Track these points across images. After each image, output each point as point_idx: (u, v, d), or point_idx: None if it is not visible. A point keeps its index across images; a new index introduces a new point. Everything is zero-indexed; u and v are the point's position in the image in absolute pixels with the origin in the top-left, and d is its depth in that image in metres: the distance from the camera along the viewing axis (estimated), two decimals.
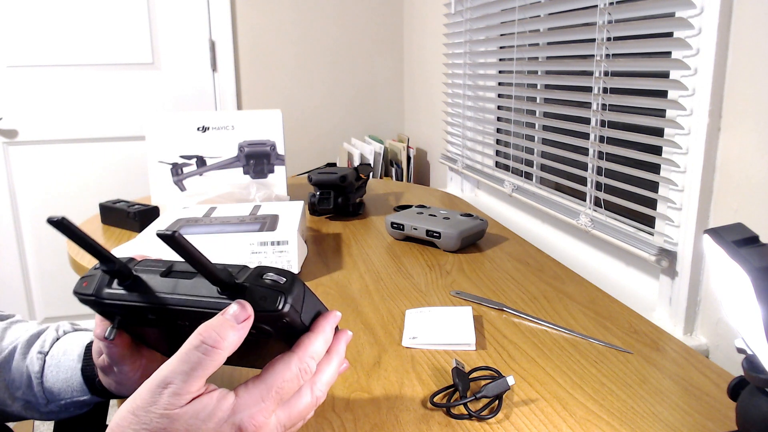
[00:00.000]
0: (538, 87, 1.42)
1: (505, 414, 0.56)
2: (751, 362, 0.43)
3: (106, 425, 0.40)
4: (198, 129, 1.31)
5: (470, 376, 0.61)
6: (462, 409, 0.56)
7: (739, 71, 0.80)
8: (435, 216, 1.08)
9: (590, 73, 1.13)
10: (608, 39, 1.08)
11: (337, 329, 0.46)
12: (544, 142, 1.39)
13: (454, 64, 1.84)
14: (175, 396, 0.37)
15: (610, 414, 0.56)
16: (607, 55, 1.08)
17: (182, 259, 0.38)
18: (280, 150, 1.33)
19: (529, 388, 0.61)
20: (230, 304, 0.39)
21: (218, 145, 1.31)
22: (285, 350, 0.42)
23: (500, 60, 1.56)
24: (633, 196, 1.02)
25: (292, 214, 0.99)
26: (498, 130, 1.69)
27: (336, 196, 1.23)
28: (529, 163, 1.45)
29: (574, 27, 1.20)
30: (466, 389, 0.58)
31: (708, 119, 0.84)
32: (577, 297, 0.83)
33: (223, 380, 0.62)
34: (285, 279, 0.41)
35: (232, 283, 0.40)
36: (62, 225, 0.37)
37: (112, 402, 0.68)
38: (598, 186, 1.14)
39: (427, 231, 1.04)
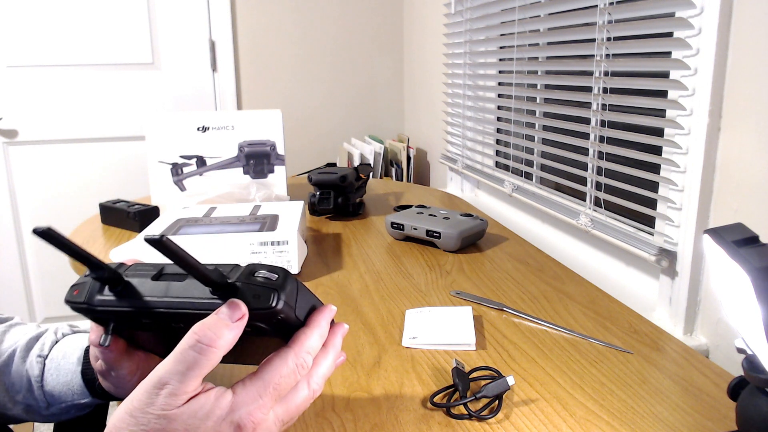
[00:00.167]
0: (538, 87, 1.42)
1: (505, 414, 0.56)
2: (751, 362, 0.43)
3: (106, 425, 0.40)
4: (198, 129, 1.31)
5: (470, 376, 0.61)
6: (462, 409, 0.56)
7: (739, 71, 0.80)
8: (435, 216, 1.08)
9: (590, 73, 1.13)
10: (608, 39, 1.08)
11: (333, 322, 0.46)
12: (544, 142, 1.39)
13: (454, 64, 1.84)
14: (171, 396, 0.37)
15: (610, 414, 0.56)
16: (607, 55, 1.08)
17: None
18: (280, 150, 1.33)
19: (529, 388, 0.61)
20: (224, 303, 0.39)
21: (218, 145, 1.31)
22: (281, 346, 0.42)
23: (500, 60, 1.56)
24: (633, 196, 1.02)
25: (292, 214, 0.99)
26: (498, 130, 1.69)
27: (336, 196, 1.23)
28: (529, 163, 1.45)
29: (574, 27, 1.20)
30: (466, 389, 0.58)
31: (708, 119, 0.84)
32: (577, 297, 0.83)
33: (224, 378, 0.62)
34: (277, 275, 0.41)
35: (224, 282, 0.40)
36: (48, 235, 0.37)
37: (113, 402, 0.68)
38: (598, 186, 1.14)
39: (427, 231, 1.04)
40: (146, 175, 1.33)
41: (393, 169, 2.25)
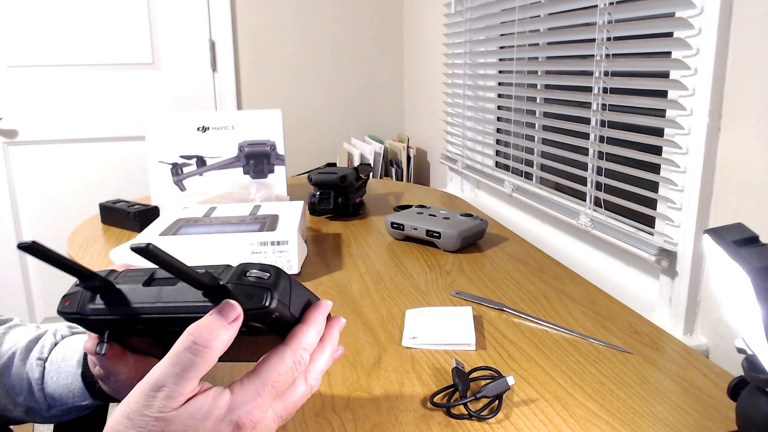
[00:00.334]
0: (538, 87, 1.42)
1: (505, 414, 0.56)
2: (751, 362, 0.43)
3: None
4: (198, 129, 1.31)
5: (470, 376, 0.61)
6: (462, 409, 0.56)
7: (739, 71, 0.80)
8: (435, 216, 1.08)
9: (590, 73, 1.13)
10: (608, 39, 1.08)
11: (330, 317, 0.46)
12: (544, 142, 1.39)
13: (454, 64, 1.84)
14: (168, 399, 0.36)
15: (610, 414, 0.56)
16: (607, 55, 1.08)
17: None
18: (280, 150, 1.33)
19: (529, 388, 0.61)
20: (217, 306, 0.39)
21: (218, 145, 1.31)
22: (278, 342, 0.42)
23: (500, 60, 1.56)
24: (633, 196, 1.02)
25: (292, 214, 0.99)
26: (498, 130, 1.69)
27: (336, 196, 1.23)
28: (529, 163, 1.45)
29: (574, 27, 1.20)
30: (466, 389, 0.58)
31: (708, 119, 0.84)
32: (577, 297, 0.83)
33: (224, 376, 0.62)
34: (269, 274, 0.41)
35: (216, 285, 0.39)
36: (34, 249, 0.36)
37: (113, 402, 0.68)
38: (598, 186, 1.14)
39: (427, 231, 1.04)
40: (146, 175, 1.33)
41: (393, 169, 2.25)
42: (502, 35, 1.58)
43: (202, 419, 0.37)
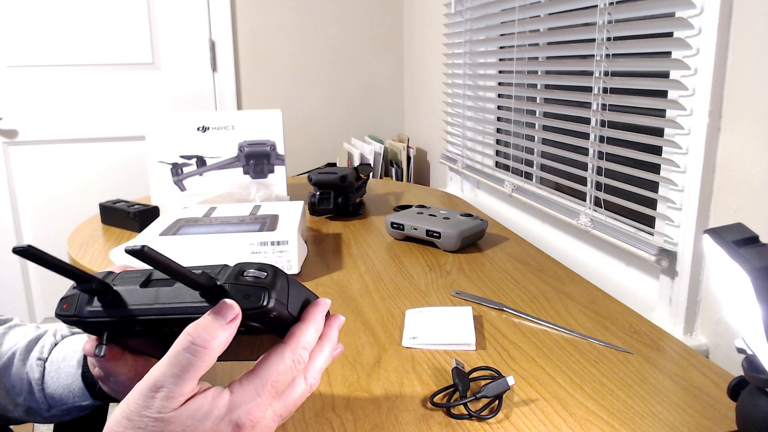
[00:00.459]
0: (538, 87, 1.42)
1: (505, 414, 0.56)
2: (751, 362, 0.43)
3: None
4: (198, 129, 1.31)
5: (470, 376, 0.61)
6: (462, 409, 0.56)
7: (739, 71, 0.80)
8: (435, 216, 1.08)
9: (590, 73, 1.13)
10: (608, 39, 1.08)
11: (329, 314, 0.46)
12: (544, 142, 1.39)
13: (454, 64, 1.84)
14: (167, 399, 0.36)
15: (610, 414, 0.56)
16: (607, 55, 1.08)
17: None
18: (280, 150, 1.33)
19: (529, 388, 0.61)
20: (215, 306, 0.39)
21: (218, 145, 1.31)
22: (277, 341, 0.42)
23: (500, 60, 1.56)
24: (633, 196, 1.02)
25: (292, 214, 0.99)
26: (498, 130, 1.69)
27: (336, 196, 1.23)
28: (529, 163, 1.45)
29: (574, 27, 1.20)
30: (466, 389, 0.58)
31: (708, 119, 0.84)
32: (577, 297, 0.83)
33: (224, 376, 0.62)
34: (266, 273, 0.40)
35: (213, 285, 0.39)
36: (29, 253, 0.36)
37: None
38: (598, 186, 1.14)
39: (427, 231, 1.04)
40: (146, 175, 1.33)
41: (393, 169, 2.25)
42: (502, 35, 1.58)
43: (201, 419, 0.37)
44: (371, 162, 2.20)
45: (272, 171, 1.33)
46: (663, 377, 0.63)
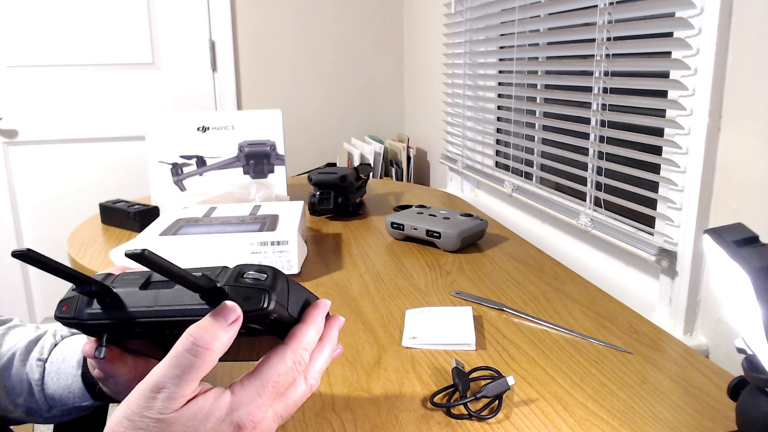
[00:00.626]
0: (538, 87, 1.42)
1: (505, 414, 0.56)
2: (751, 362, 0.43)
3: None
4: (198, 129, 1.31)
5: (470, 376, 0.61)
6: (462, 409, 0.56)
7: (739, 71, 0.80)
8: (435, 216, 1.08)
9: (590, 73, 1.13)
10: (608, 39, 1.08)
11: (329, 315, 0.46)
12: (544, 142, 1.39)
13: (454, 64, 1.84)
14: (169, 400, 0.36)
15: (610, 414, 0.56)
16: (607, 55, 1.08)
17: None
18: (280, 150, 1.33)
19: (529, 388, 0.61)
20: (215, 308, 0.39)
21: (218, 145, 1.31)
22: (276, 341, 0.42)
23: (500, 60, 1.56)
24: (633, 196, 1.02)
25: (292, 214, 0.99)
26: (498, 130, 1.69)
27: (336, 196, 1.23)
28: (529, 163, 1.45)
29: (574, 27, 1.20)
30: (466, 389, 0.58)
31: (708, 119, 0.84)
32: (577, 297, 0.83)
33: (224, 377, 0.62)
34: (266, 275, 0.40)
35: (213, 287, 0.39)
36: (28, 257, 0.36)
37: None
38: (598, 186, 1.14)
39: (427, 231, 1.04)
40: (146, 175, 1.33)
41: (393, 169, 2.25)
42: (502, 35, 1.58)
43: (202, 420, 0.37)
44: (371, 162, 2.20)
45: (272, 171, 1.33)
46: (663, 377, 0.63)
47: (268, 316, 0.40)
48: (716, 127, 0.84)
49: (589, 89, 1.14)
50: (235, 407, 0.38)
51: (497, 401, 0.57)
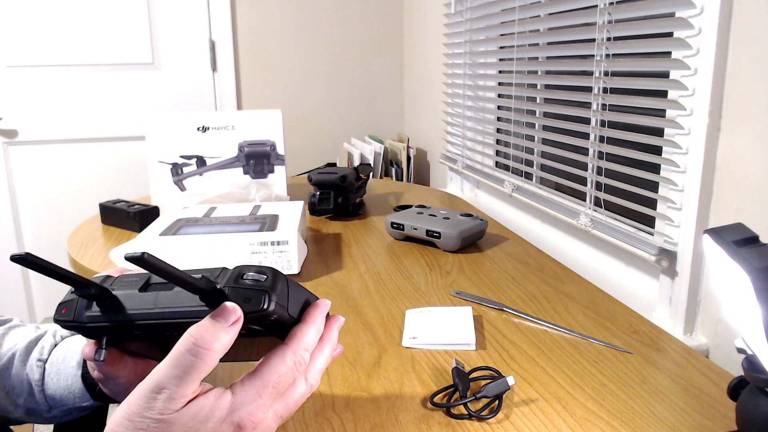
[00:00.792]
0: (538, 87, 1.42)
1: (505, 414, 0.56)
2: (751, 362, 0.43)
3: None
4: (198, 129, 1.31)
5: (470, 376, 0.61)
6: (462, 409, 0.56)
7: (739, 71, 0.80)
8: (435, 216, 1.08)
9: (590, 73, 1.13)
10: (608, 39, 1.08)
11: (329, 315, 0.46)
12: (544, 142, 1.39)
13: (454, 64, 1.84)
14: (169, 401, 0.36)
15: (610, 414, 0.56)
16: (607, 55, 1.08)
17: None
18: (280, 150, 1.33)
19: (529, 388, 0.61)
20: (216, 309, 0.39)
21: (218, 145, 1.31)
22: (276, 342, 0.42)
23: (500, 60, 1.56)
24: (633, 196, 1.02)
25: (292, 214, 0.99)
26: (498, 130, 1.69)
27: (336, 196, 1.23)
28: (529, 163, 1.45)
29: (574, 27, 1.20)
30: (466, 389, 0.58)
31: (708, 119, 0.84)
32: (577, 297, 0.83)
33: (224, 377, 0.62)
34: (266, 276, 0.40)
35: (212, 289, 0.39)
36: (27, 261, 0.36)
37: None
38: (598, 186, 1.14)
39: (427, 231, 1.04)
40: (146, 175, 1.33)
41: (393, 169, 2.25)
42: (502, 35, 1.58)
43: (203, 420, 0.37)
44: (371, 162, 2.20)
45: (272, 171, 1.33)
46: (663, 377, 0.63)
47: (269, 317, 0.40)
48: (716, 127, 0.84)
49: (589, 89, 1.14)
50: (235, 407, 0.38)
51: (497, 401, 0.57)
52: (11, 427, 0.64)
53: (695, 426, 0.54)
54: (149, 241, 0.88)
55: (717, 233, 0.43)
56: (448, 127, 1.92)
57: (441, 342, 0.69)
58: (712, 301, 0.87)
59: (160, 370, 0.37)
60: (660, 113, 1.03)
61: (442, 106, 2.01)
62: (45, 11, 2.22)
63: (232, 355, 0.42)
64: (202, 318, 0.38)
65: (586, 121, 1.17)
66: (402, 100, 2.63)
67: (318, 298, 0.46)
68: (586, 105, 1.17)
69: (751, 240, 0.42)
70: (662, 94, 0.99)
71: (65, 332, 0.65)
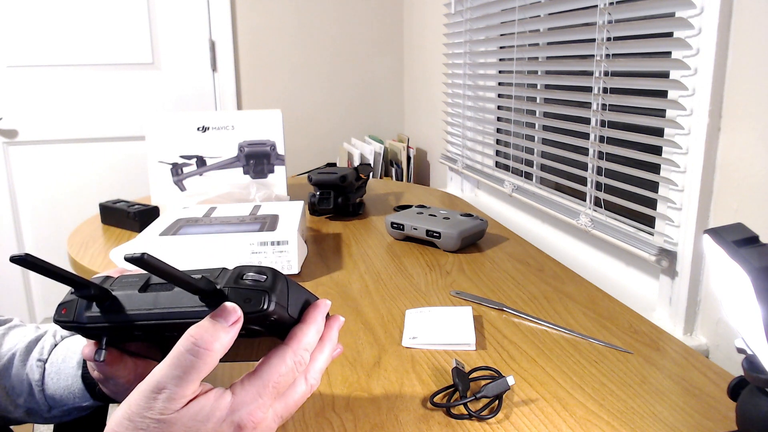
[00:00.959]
0: (538, 87, 1.42)
1: (505, 414, 0.56)
2: (751, 362, 0.43)
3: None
4: (198, 129, 1.31)
5: (470, 376, 0.61)
6: (462, 409, 0.56)
7: (739, 71, 0.80)
8: (435, 216, 1.08)
9: (590, 73, 1.13)
10: (608, 39, 1.08)
11: (329, 315, 0.46)
12: (544, 142, 1.39)
13: (454, 64, 1.84)
14: (169, 401, 0.36)
15: (610, 414, 0.56)
16: (607, 55, 1.08)
17: None
18: (280, 150, 1.33)
19: (529, 388, 0.61)
20: (216, 309, 0.39)
21: (218, 145, 1.31)
22: (276, 342, 0.42)
23: (500, 60, 1.56)
24: (633, 196, 1.02)
25: (292, 214, 0.99)
26: (498, 130, 1.69)
27: (336, 196, 1.23)
28: (529, 163, 1.45)
29: (574, 27, 1.20)
30: (466, 389, 0.58)
31: (708, 119, 0.84)
32: (577, 297, 0.83)
33: (224, 377, 0.62)
34: (266, 276, 0.41)
35: (212, 289, 0.39)
36: (27, 261, 0.36)
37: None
38: (598, 186, 1.14)
39: (427, 231, 1.04)
40: (146, 175, 1.33)
41: (393, 169, 2.25)
42: (502, 35, 1.58)
43: (203, 421, 0.37)
44: (371, 162, 2.20)
45: (272, 171, 1.33)
46: (663, 377, 0.63)
47: (269, 317, 0.40)
48: (716, 127, 0.84)
49: (589, 89, 1.14)
50: (235, 407, 0.38)
51: (497, 401, 0.57)
52: (11, 427, 0.64)
53: (695, 426, 0.54)
54: (149, 241, 0.88)
55: (717, 233, 0.43)
56: (448, 127, 1.92)
57: (441, 342, 0.69)
58: (712, 301, 0.87)
59: (160, 370, 0.37)
60: (660, 113, 1.03)
61: (442, 106, 2.01)
62: (45, 11, 2.22)
63: (232, 355, 0.42)
64: (202, 318, 0.38)
65: (586, 121, 1.17)
66: (402, 100, 2.63)
67: (318, 298, 0.46)
68: (586, 105, 1.17)
69: (751, 240, 0.42)
70: (662, 94, 0.99)
71: (65, 332, 0.65)
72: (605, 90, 1.09)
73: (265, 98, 2.49)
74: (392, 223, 1.09)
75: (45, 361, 0.61)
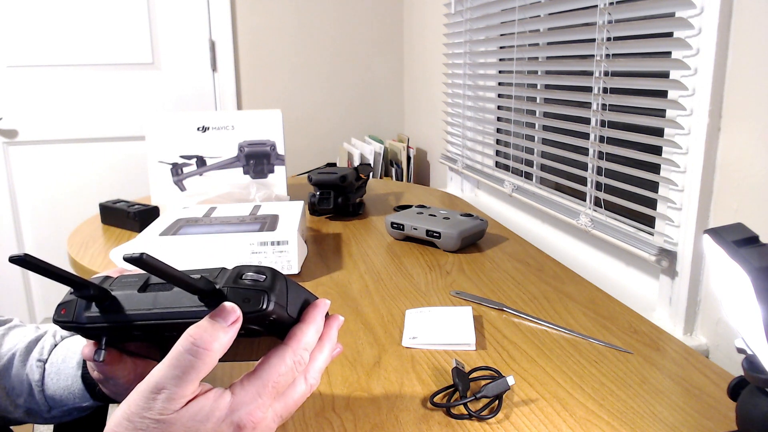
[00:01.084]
0: (538, 87, 1.42)
1: (505, 414, 0.56)
2: (751, 362, 0.43)
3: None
4: (198, 129, 1.31)
5: (470, 376, 0.61)
6: (462, 409, 0.56)
7: (739, 71, 0.80)
8: (435, 216, 1.08)
9: (590, 73, 1.13)
10: (608, 39, 1.08)
11: (328, 315, 0.46)
12: (544, 142, 1.39)
13: (454, 64, 1.84)
14: (169, 401, 0.36)
15: (610, 414, 0.56)
16: (607, 55, 1.08)
17: None
18: (280, 150, 1.33)
19: (529, 388, 0.61)
20: (215, 309, 0.39)
21: (218, 145, 1.31)
22: (276, 342, 0.42)
23: (500, 60, 1.56)
24: (633, 196, 1.02)
25: (292, 214, 0.99)
26: (498, 130, 1.69)
27: (336, 196, 1.23)
28: (529, 163, 1.45)
29: (574, 27, 1.20)
30: (466, 389, 0.58)
31: (708, 119, 0.84)
32: (577, 297, 0.83)
33: (224, 377, 0.62)
34: (265, 276, 0.41)
35: (211, 289, 0.39)
36: (26, 262, 0.36)
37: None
38: (598, 186, 1.14)
39: (427, 231, 1.04)
40: (146, 175, 1.33)
41: (393, 169, 2.25)
42: (502, 35, 1.58)
43: (203, 421, 0.37)
44: (371, 162, 2.20)
45: (272, 171, 1.33)
46: (663, 377, 0.63)
47: (268, 317, 0.40)
48: (716, 127, 0.84)
49: (589, 89, 1.14)
50: (235, 407, 0.38)
51: (497, 401, 0.57)
52: (11, 427, 0.64)
53: (695, 426, 0.54)
54: (149, 241, 0.88)
55: (717, 233, 0.43)
56: (448, 127, 1.92)
57: (441, 342, 0.69)
58: (712, 301, 0.87)
59: (160, 371, 0.37)
60: (660, 113, 1.03)
61: (442, 106, 2.01)
62: (45, 11, 2.22)
63: (232, 355, 0.42)
64: (201, 318, 0.38)
65: (586, 121, 1.17)
66: (402, 100, 2.63)
67: (317, 298, 0.46)
68: (586, 105, 1.17)
69: (751, 240, 0.42)
70: (662, 94, 0.99)
71: (65, 332, 0.65)
72: (605, 90, 1.09)
73: (265, 98, 2.49)
74: (392, 223, 1.09)
75: (45, 362, 0.61)
